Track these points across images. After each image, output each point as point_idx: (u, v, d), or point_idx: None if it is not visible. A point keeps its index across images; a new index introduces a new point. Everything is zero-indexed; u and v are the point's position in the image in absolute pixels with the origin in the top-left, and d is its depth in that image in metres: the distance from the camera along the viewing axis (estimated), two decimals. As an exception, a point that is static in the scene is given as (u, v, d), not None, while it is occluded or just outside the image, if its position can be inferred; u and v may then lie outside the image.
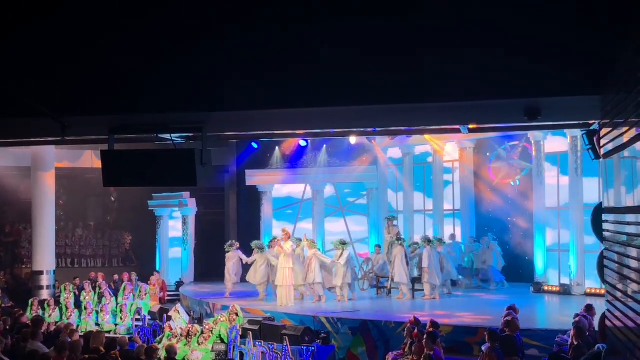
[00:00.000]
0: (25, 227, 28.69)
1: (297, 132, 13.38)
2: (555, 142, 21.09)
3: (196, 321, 17.53)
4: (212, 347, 14.58)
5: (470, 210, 23.14)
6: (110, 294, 20.85)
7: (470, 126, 10.92)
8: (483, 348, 12.22)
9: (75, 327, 15.89)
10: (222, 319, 15.03)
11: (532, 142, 21.34)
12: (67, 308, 19.71)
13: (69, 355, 11.27)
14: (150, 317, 18.90)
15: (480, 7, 7.93)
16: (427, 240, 20.17)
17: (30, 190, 24.86)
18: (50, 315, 19.12)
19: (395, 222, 22.18)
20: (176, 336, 14.97)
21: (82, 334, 14.80)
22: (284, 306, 18.81)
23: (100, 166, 9.99)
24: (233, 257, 21.75)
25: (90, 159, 27.67)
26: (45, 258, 24.54)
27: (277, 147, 26.96)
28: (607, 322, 8.49)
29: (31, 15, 9.18)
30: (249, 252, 21.85)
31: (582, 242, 19.85)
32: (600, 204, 9.36)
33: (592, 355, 10.02)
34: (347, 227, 26.82)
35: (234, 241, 22.79)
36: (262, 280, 20.88)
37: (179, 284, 26.34)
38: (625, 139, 6.75)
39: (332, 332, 16.35)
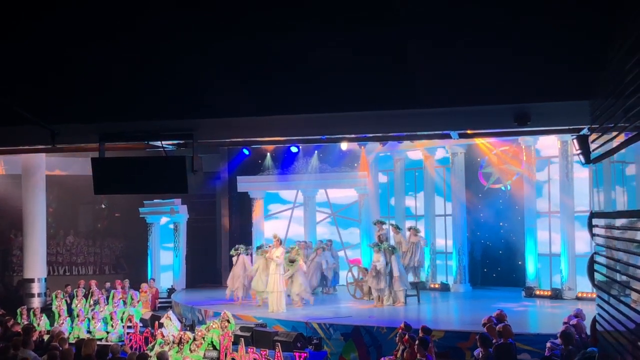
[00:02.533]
0: (16, 234, 28.62)
1: (288, 138, 13.38)
2: (546, 147, 21.17)
3: (188, 328, 17.48)
4: (204, 354, 14.56)
5: (462, 215, 23.18)
6: (104, 301, 20.82)
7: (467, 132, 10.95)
8: (475, 353, 12.23)
9: (66, 335, 15.83)
10: (214, 326, 15.02)
11: (523, 146, 21.39)
12: (59, 315, 19.67)
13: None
14: (142, 324, 18.85)
15: (470, 14, 7.96)
16: (392, 249, 20.11)
17: (21, 198, 24.81)
18: (38, 324, 19.06)
19: (384, 226, 22.20)
20: (168, 343, 14.95)
21: (73, 341, 14.77)
22: (276, 312, 18.80)
23: (90, 173, 9.97)
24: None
25: (80, 166, 27.63)
26: (36, 265, 24.50)
27: (268, 154, 26.97)
28: (598, 326, 8.51)
29: (20, 23, 9.17)
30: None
31: (573, 246, 19.91)
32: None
33: (584, 358, 10.04)
34: (338, 232, 26.83)
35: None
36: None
37: (171, 290, 26.29)
38: (615, 143, 6.78)
39: (324, 338, 16.33)
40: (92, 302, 21.17)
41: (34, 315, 19.72)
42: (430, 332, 13.11)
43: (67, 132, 9.80)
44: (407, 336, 12.80)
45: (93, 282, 23.30)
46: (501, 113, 8.79)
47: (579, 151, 10.35)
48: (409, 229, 22.10)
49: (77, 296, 21.37)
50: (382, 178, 26.07)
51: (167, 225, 27.90)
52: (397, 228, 21.74)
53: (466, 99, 8.34)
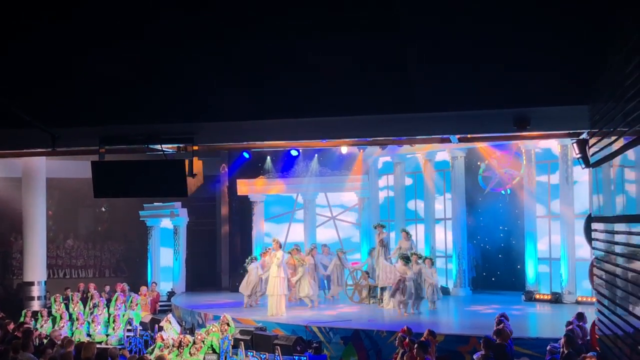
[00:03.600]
0: (16, 237, 28.62)
1: (288, 142, 13.39)
2: (546, 151, 21.17)
3: (188, 331, 17.46)
4: (204, 358, 14.54)
5: (462, 219, 23.16)
6: (103, 305, 20.79)
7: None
8: (475, 357, 12.22)
9: (71, 338, 15.82)
10: (213, 329, 15.00)
11: (523, 151, 21.38)
12: (61, 318, 19.67)
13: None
14: (141, 328, 18.84)
15: (470, 20, 7.97)
16: (422, 258, 19.93)
17: (21, 201, 24.81)
18: (42, 326, 19.06)
19: (385, 230, 22.16)
20: (168, 346, 14.93)
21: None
22: (275, 316, 18.78)
23: (90, 176, 9.97)
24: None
25: (80, 169, 27.63)
26: (36, 269, 24.52)
27: (268, 157, 26.96)
28: (597, 330, 8.52)
29: (22, 28, 9.18)
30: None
31: (573, 250, 19.89)
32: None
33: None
34: (338, 235, 26.82)
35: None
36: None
37: (171, 294, 26.27)
38: (614, 147, 6.79)
39: (324, 342, 16.32)
40: (91, 305, 21.14)
41: (41, 316, 19.76)
42: (434, 336, 13.13)
43: (68, 135, 9.82)
44: (407, 340, 12.80)
45: (92, 286, 23.27)
46: (501, 117, 8.81)
47: (578, 155, 10.37)
48: (424, 259, 20.12)
49: (72, 300, 21.33)
50: (382, 182, 26.03)
51: (167, 228, 27.88)
52: (408, 234, 21.47)
53: (466, 103, 8.35)
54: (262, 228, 27.22)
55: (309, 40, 8.52)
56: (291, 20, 8.47)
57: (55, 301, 21.02)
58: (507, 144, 21.64)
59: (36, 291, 24.26)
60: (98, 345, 13.98)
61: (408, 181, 25.05)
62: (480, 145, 22.20)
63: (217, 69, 8.90)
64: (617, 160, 6.93)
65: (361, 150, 24.84)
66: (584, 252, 18.72)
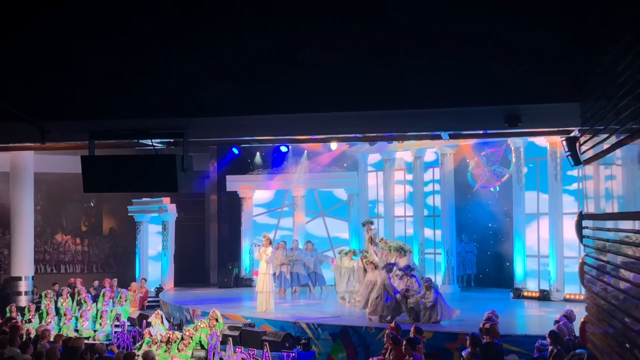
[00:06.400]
0: (3, 232, 28.50)
1: (278, 138, 13.37)
2: (535, 148, 21.22)
3: (176, 327, 17.42)
4: (192, 354, 14.51)
5: (451, 216, 23.18)
6: (90, 300, 20.73)
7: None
8: (463, 354, 12.26)
9: (53, 333, 15.77)
10: (202, 325, 14.98)
11: (512, 148, 21.43)
12: (47, 314, 19.60)
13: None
14: (129, 323, 18.79)
15: (462, 17, 7.97)
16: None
17: (8, 196, 24.71)
18: (29, 321, 18.99)
19: (373, 226, 22.11)
20: (156, 342, 14.90)
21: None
22: (264, 312, 18.76)
23: (79, 171, 9.92)
24: None
25: (69, 164, 27.55)
26: (23, 264, 24.43)
27: (257, 153, 26.94)
28: (587, 328, 8.54)
29: (12, 22, 9.12)
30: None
31: (562, 248, 19.95)
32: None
33: (573, 359, 10.06)
34: (327, 231, 26.81)
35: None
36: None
37: (159, 289, 26.22)
38: (605, 145, 6.80)
39: (312, 338, 16.32)
40: (80, 300, 21.08)
41: (28, 311, 19.68)
42: (421, 333, 13.16)
43: (58, 129, 9.77)
44: (392, 337, 12.84)
45: (78, 281, 23.22)
46: (492, 114, 8.82)
47: (568, 153, 10.38)
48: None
49: (62, 295, 21.27)
50: (371, 178, 26.02)
51: (156, 224, 27.77)
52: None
53: (457, 99, 8.35)
54: (251, 224, 27.17)
55: (300, 35, 8.50)
56: (282, 15, 8.45)
57: (45, 296, 20.95)
58: (496, 141, 21.71)
59: (24, 286, 24.18)
60: (85, 341, 13.95)
61: (398, 177, 25.06)
62: (465, 144, 22.25)
63: (207, 65, 8.87)
64: (607, 157, 6.94)
65: (346, 145, 24.82)
66: (572, 250, 18.83)
